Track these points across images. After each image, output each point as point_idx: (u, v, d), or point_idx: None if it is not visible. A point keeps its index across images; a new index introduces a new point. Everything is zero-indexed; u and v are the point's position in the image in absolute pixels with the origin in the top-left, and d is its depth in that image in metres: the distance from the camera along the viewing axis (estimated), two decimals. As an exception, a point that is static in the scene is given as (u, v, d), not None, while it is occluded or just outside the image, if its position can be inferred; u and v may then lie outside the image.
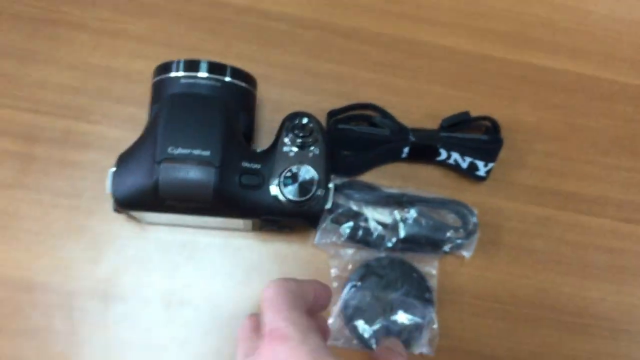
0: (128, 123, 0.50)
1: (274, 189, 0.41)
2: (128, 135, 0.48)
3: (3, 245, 0.46)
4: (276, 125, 0.45)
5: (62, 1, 0.52)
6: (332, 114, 0.51)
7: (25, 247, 0.46)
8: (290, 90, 0.53)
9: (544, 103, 0.55)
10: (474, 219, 0.49)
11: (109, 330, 0.46)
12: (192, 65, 0.43)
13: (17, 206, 0.47)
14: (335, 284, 0.48)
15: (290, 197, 0.41)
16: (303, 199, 0.41)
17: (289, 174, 0.41)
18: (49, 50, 0.51)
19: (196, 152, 0.39)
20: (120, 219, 0.47)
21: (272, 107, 0.51)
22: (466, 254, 0.49)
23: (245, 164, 0.41)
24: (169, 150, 0.39)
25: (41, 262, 0.46)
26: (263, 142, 0.49)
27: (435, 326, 0.47)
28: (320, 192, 0.41)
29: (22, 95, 0.50)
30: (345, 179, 0.50)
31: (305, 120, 0.43)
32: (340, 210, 0.48)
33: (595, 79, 0.56)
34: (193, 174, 0.39)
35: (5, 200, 0.47)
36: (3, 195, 0.47)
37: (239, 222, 0.45)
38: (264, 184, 0.41)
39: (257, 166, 0.41)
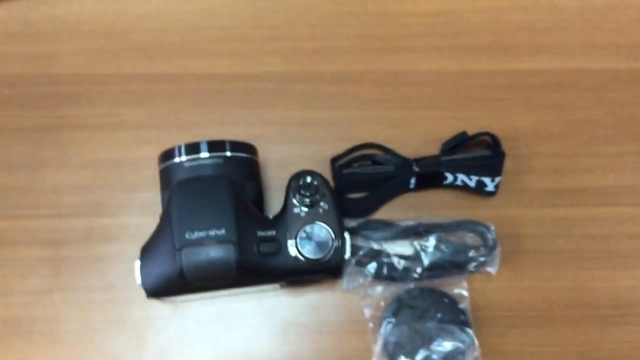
0: (144, 209, 0.52)
1: (292, 251, 0.42)
2: (146, 220, 0.50)
3: (52, 350, 0.48)
4: (283, 184, 0.47)
5: (59, 106, 0.55)
6: (334, 160, 0.52)
7: (71, 347, 0.48)
8: (290, 145, 0.54)
9: (537, 105, 0.56)
10: (492, 235, 0.50)
11: (165, 412, 0.47)
12: (192, 148, 0.44)
13: (56, 309, 0.49)
14: (371, 324, 0.49)
15: (309, 256, 0.42)
16: (322, 256, 0.42)
17: (304, 235, 0.42)
18: (57, 155, 0.53)
19: (212, 232, 0.41)
20: (155, 302, 0.49)
21: (276, 165, 0.53)
22: (491, 270, 0.50)
23: (261, 233, 0.42)
24: (187, 235, 0.40)
25: (89, 359, 0.48)
26: (274, 202, 0.51)
27: (476, 346, 0.48)
28: (337, 245, 0.43)
29: (40, 203, 0.52)
30: (360, 220, 0.51)
31: (309, 179, 0.44)
32: (361, 252, 0.49)
33: (583, 72, 0.57)
34: (214, 253, 0.40)
35: (44, 306, 0.49)
36: (41, 301, 0.49)
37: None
38: (282, 248, 0.42)
39: (273, 233, 0.43)
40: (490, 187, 0.51)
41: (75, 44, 0.57)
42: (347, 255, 0.44)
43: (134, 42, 0.57)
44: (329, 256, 0.42)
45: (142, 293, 0.48)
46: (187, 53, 0.57)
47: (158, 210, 0.46)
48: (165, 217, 0.43)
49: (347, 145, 0.52)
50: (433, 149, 0.53)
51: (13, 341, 0.48)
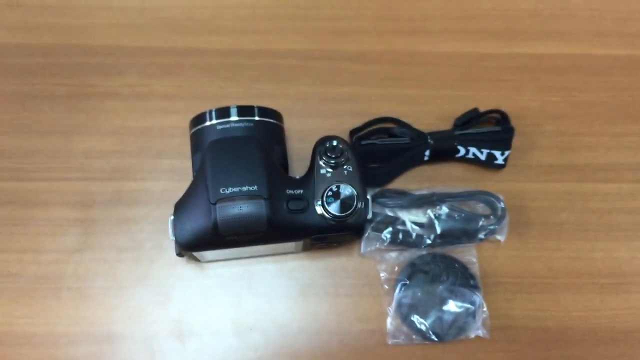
0: (170, 174, 0.54)
1: (319, 209, 0.45)
2: (172, 185, 0.53)
3: (80, 305, 0.50)
4: (305, 153, 0.50)
5: (90, 76, 0.57)
6: (353, 132, 0.55)
7: (99, 302, 0.50)
8: (311, 118, 0.57)
9: (544, 87, 0.59)
10: (501, 205, 0.52)
11: (188, 365, 0.49)
12: (223, 112, 0.47)
13: (86, 267, 0.51)
14: (386, 287, 0.51)
15: (335, 213, 0.44)
16: (346, 213, 0.44)
17: (330, 193, 0.45)
18: (88, 122, 0.55)
19: (245, 188, 0.43)
20: (180, 262, 0.51)
21: (298, 136, 0.55)
22: (500, 237, 0.53)
23: (290, 191, 0.45)
24: (221, 191, 0.43)
25: (116, 313, 0.50)
26: (296, 169, 0.53)
27: (485, 309, 0.51)
28: (360, 205, 0.45)
29: (71, 167, 0.54)
30: (376, 190, 0.54)
31: (334, 143, 0.46)
32: (378, 219, 0.52)
33: (588, 57, 0.60)
34: (246, 208, 0.42)
35: (74, 264, 0.51)
36: (72, 260, 0.51)
37: (290, 245, 0.49)
38: (309, 206, 0.45)
39: (300, 191, 0.45)
40: (499, 160, 0.54)
41: (108, 17, 0.59)
42: (370, 215, 0.46)
43: (163, 17, 0.59)
44: (353, 214, 0.45)
45: (168, 254, 0.50)
46: (214, 29, 0.59)
47: (184, 176, 0.49)
48: (200, 175, 0.45)
49: (365, 120, 0.55)
50: (446, 126, 0.56)
51: (44, 296, 0.50)
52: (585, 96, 0.59)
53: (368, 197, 0.46)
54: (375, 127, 0.55)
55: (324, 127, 0.55)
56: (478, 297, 0.51)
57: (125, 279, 0.51)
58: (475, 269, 0.52)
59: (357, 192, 0.45)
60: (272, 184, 0.44)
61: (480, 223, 0.52)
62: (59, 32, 0.58)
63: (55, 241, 0.52)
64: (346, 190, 0.45)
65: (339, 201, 0.45)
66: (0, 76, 0.56)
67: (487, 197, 0.53)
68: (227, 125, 0.46)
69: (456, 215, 0.52)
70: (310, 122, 0.56)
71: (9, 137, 0.54)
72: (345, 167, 0.46)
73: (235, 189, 0.43)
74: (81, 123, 0.55)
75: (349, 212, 0.45)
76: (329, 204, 0.45)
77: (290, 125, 0.54)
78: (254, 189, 0.43)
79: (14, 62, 0.57)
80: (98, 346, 0.49)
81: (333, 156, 0.46)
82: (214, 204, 0.42)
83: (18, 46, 0.57)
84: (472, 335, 0.50)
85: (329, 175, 0.46)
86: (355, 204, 0.45)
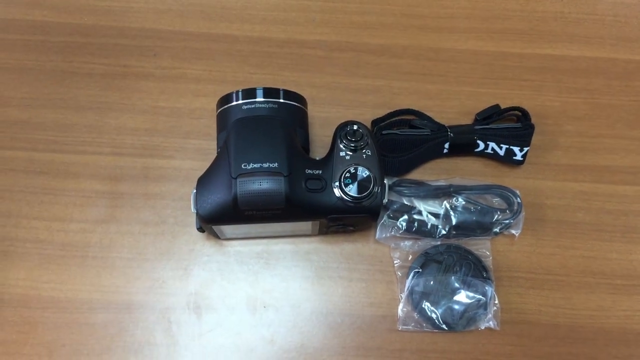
0: (197, 154, 0.54)
1: (336, 190, 0.44)
2: (198, 164, 0.52)
3: (103, 273, 0.50)
4: (326, 139, 0.49)
5: (126, 57, 0.57)
6: (375, 123, 0.54)
7: (122, 273, 0.50)
8: (334, 106, 0.56)
9: (566, 88, 0.57)
10: (517, 200, 0.51)
11: (203, 338, 0.48)
12: (249, 93, 0.46)
13: (111, 238, 0.51)
14: (399, 274, 0.50)
15: (352, 194, 0.43)
16: (363, 195, 0.43)
17: (348, 175, 0.44)
18: (122, 100, 0.55)
19: (266, 165, 0.42)
20: (201, 238, 0.51)
21: (321, 123, 0.54)
22: (515, 232, 0.51)
23: (309, 171, 0.44)
24: (243, 166, 0.42)
25: (137, 284, 0.50)
26: (317, 155, 0.52)
27: (496, 302, 0.49)
28: (377, 188, 0.44)
29: (103, 142, 0.54)
30: (394, 179, 0.52)
31: (355, 127, 0.46)
32: (394, 207, 0.51)
33: (611, 61, 0.58)
34: (266, 184, 0.42)
35: (100, 234, 0.51)
36: (99, 230, 0.51)
37: (307, 227, 0.48)
38: (327, 186, 0.44)
39: (319, 172, 0.44)
40: (518, 156, 0.52)
41: (145, 1, 0.59)
42: (386, 200, 0.45)
43: (198, 3, 0.59)
44: (369, 197, 0.44)
45: (191, 230, 0.50)
46: (246, 17, 0.59)
47: (209, 156, 0.48)
48: (223, 151, 0.44)
49: (387, 112, 0.54)
50: (466, 121, 0.55)
51: (69, 264, 0.50)
52: (606, 99, 0.57)
53: (385, 181, 0.45)
54: (396, 118, 0.54)
55: (347, 116, 0.54)
56: (490, 289, 0.49)
57: (148, 252, 0.51)
58: (488, 262, 0.50)
59: (374, 176, 0.44)
60: (292, 162, 0.43)
61: (496, 217, 0.51)
62: (99, 14, 0.58)
63: (84, 212, 0.52)
64: (364, 172, 0.44)
65: (356, 183, 0.44)
66: (42, 53, 0.57)
67: (503, 192, 0.51)
68: (253, 106, 0.46)
69: (472, 208, 0.51)
70: (334, 111, 0.56)
71: (46, 110, 0.55)
72: (364, 151, 0.45)
73: (256, 165, 0.42)
74: (115, 101, 0.55)
75: (366, 194, 0.44)
76: (346, 185, 0.44)
77: (314, 112, 0.54)
78: (274, 166, 0.42)
79: (55, 40, 0.57)
80: (118, 314, 0.49)
81: (353, 140, 0.45)
82: (235, 178, 0.42)
83: (60, 25, 0.58)
84: (483, 327, 0.49)
85: (347, 158, 0.45)
86: (372, 186, 0.44)
